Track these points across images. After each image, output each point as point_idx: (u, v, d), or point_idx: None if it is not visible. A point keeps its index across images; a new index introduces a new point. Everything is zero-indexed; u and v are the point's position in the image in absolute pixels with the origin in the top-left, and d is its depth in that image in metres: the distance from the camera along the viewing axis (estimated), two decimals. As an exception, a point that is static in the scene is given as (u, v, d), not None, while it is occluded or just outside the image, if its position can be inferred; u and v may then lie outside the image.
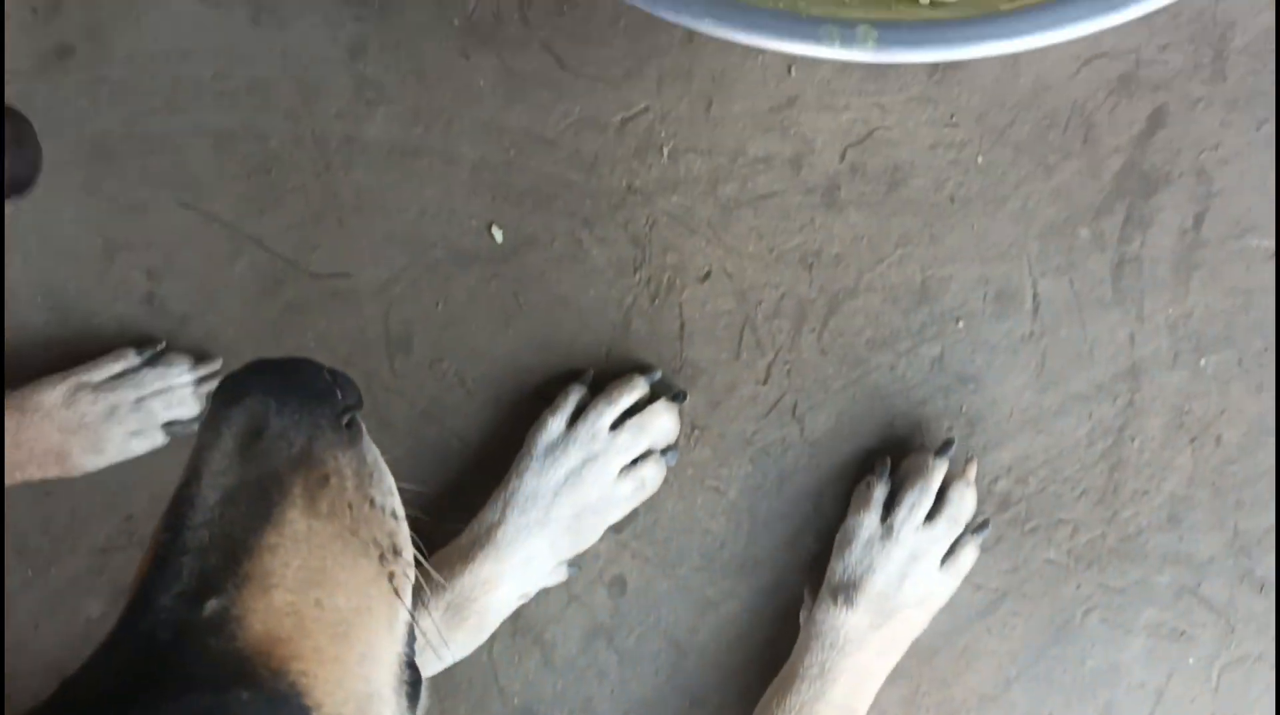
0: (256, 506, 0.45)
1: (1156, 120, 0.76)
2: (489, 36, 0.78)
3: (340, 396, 0.50)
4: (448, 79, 0.78)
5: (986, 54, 0.57)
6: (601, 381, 0.77)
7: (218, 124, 0.79)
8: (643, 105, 0.78)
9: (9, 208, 0.78)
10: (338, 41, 0.79)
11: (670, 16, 0.57)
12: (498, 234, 0.78)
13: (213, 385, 0.75)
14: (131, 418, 0.76)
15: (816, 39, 0.57)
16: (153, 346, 0.78)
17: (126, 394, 0.76)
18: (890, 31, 0.57)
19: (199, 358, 0.78)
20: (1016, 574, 0.76)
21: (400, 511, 0.50)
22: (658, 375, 0.76)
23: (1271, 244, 0.75)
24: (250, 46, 0.79)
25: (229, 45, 0.79)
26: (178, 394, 0.77)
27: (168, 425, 0.77)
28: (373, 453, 0.51)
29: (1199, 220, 0.76)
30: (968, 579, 0.74)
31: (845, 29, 0.57)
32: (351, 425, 0.49)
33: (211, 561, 0.43)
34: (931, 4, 0.61)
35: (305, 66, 0.79)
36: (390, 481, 0.51)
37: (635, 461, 0.74)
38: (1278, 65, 0.74)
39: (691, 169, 0.78)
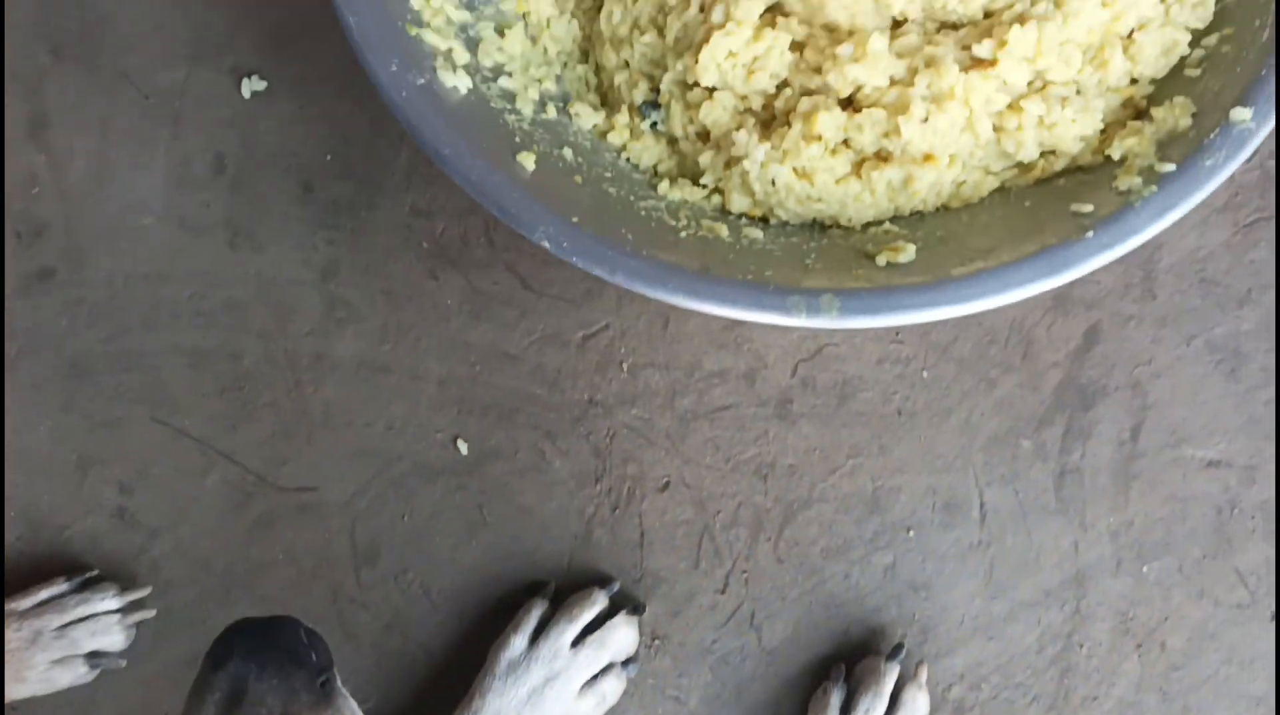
0: None
1: (1091, 337, 0.80)
2: (456, 259, 0.82)
3: (315, 659, 0.55)
4: (416, 298, 0.82)
5: (940, 317, 0.61)
6: (564, 590, 0.79)
7: (193, 343, 0.82)
8: (603, 323, 0.81)
9: None
10: (310, 264, 0.82)
11: (653, 293, 0.63)
12: (463, 447, 0.81)
13: (140, 614, 0.78)
14: (54, 645, 0.76)
15: (785, 310, 0.61)
16: (82, 573, 0.78)
17: (50, 621, 0.76)
18: (851, 300, 0.61)
19: (128, 585, 0.79)
20: (972, 782, 0.77)
21: None
22: (616, 587, 0.78)
23: (1205, 454, 0.79)
24: (226, 269, 0.82)
25: (206, 268, 0.82)
26: (102, 622, 0.77)
27: (91, 656, 0.77)
28: (350, 707, 0.56)
29: (1135, 432, 0.79)
30: (924, 787, 0.75)
31: (811, 299, 0.61)
32: (327, 684, 0.54)
33: None
34: (889, 265, 0.65)
35: (279, 288, 0.82)
36: None
37: (596, 675, 0.75)
38: None
39: (650, 383, 0.81)
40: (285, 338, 0.82)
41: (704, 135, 0.75)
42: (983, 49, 0.67)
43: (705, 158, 0.74)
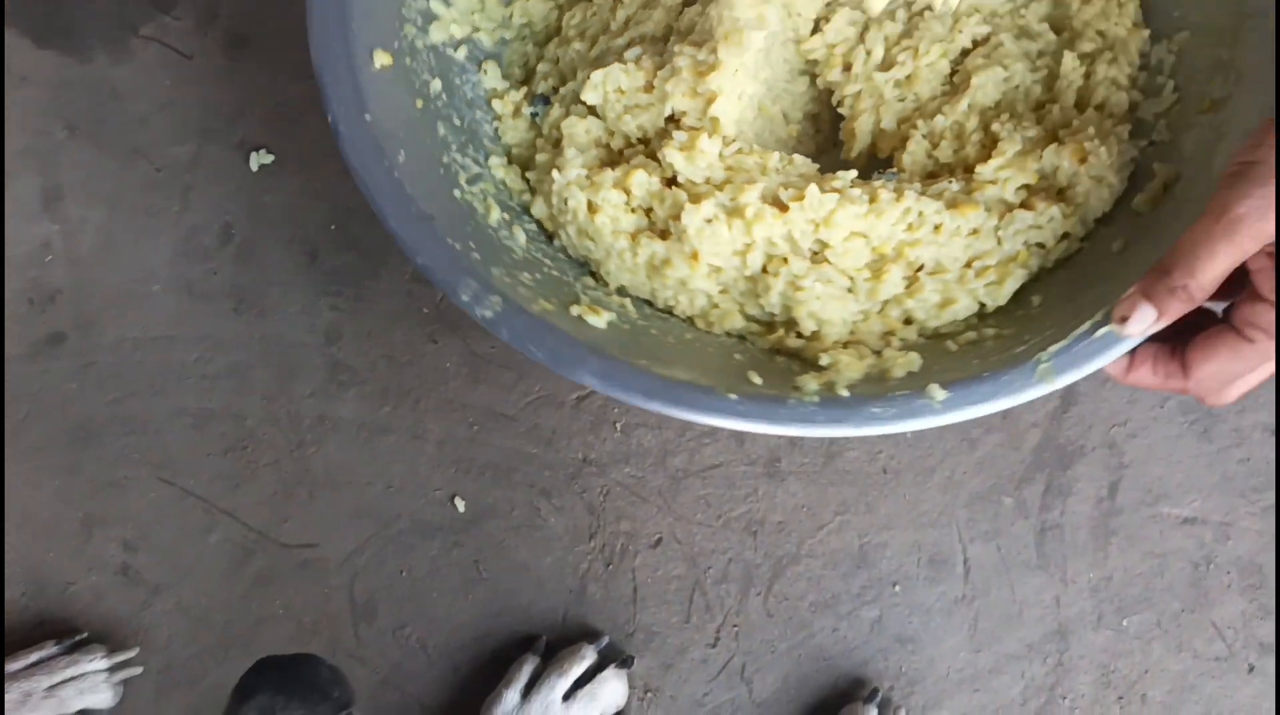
0: None
1: (1069, 398, 0.83)
2: (455, 324, 0.85)
3: (338, 694, 0.59)
4: (416, 362, 0.84)
5: (569, 377, 0.65)
6: (556, 644, 0.81)
7: (198, 405, 0.84)
8: (596, 385, 0.84)
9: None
10: (314, 329, 0.85)
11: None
12: (460, 505, 0.83)
13: (127, 673, 0.80)
14: (44, 705, 0.78)
15: (458, 291, 0.65)
16: (72, 636, 0.81)
17: (40, 681, 0.78)
18: (514, 318, 0.65)
19: (116, 646, 0.82)
20: (961, 835, 0.78)
21: None
22: (605, 642, 0.80)
23: (1180, 511, 0.81)
24: (231, 334, 0.85)
25: (211, 333, 0.85)
26: (89, 680, 0.79)
27: (80, 714, 0.79)
28: None
29: (1113, 489, 0.82)
30: (914, 840, 0.77)
31: (485, 296, 0.65)
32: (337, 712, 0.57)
33: None
34: (579, 318, 0.68)
35: (282, 352, 0.85)
36: None
37: (588, 729, 0.77)
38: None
39: (643, 442, 0.84)
40: (288, 399, 0.84)
41: (556, 142, 0.78)
42: (785, 192, 0.69)
43: (541, 157, 0.77)
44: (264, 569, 0.83)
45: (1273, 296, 0.54)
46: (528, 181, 0.78)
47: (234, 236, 0.87)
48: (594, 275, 0.75)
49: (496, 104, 0.79)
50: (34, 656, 0.79)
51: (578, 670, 0.78)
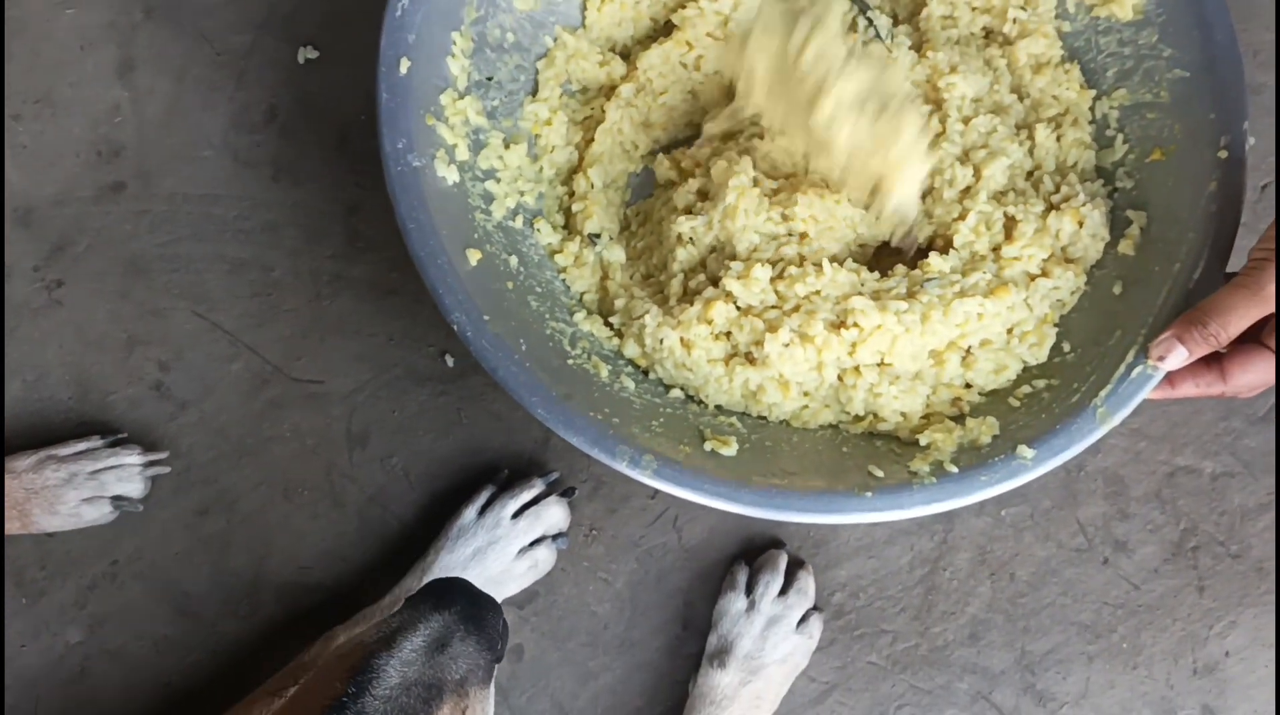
0: (420, 706, 0.58)
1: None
2: (459, 206, 0.98)
3: (500, 647, 0.65)
4: (423, 236, 0.98)
5: (720, 507, 0.74)
6: (517, 479, 0.94)
7: (234, 254, 0.98)
8: (575, 270, 0.98)
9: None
10: (339, 200, 0.99)
11: (520, 400, 0.75)
12: (449, 360, 0.97)
13: (157, 470, 0.93)
14: (86, 486, 0.90)
15: (612, 456, 0.74)
16: (114, 434, 0.94)
17: (84, 465, 0.91)
18: (665, 468, 0.74)
19: (149, 448, 0.94)
20: (844, 671, 0.92)
21: None
22: (554, 476, 0.93)
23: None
24: (268, 197, 0.99)
25: (251, 194, 0.99)
26: (127, 471, 0.92)
27: (116, 499, 0.91)
28: (491, 697, 0.65)
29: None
30: (805, 672, 0.90)
31: (636, 455, 0.74)
32: (491, 666, 0.64)
33: None
34: (712, 452, 0.77)
35: (310, 216, 0.99)
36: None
37: (532, 545, 0.90)
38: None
39: (609, 324, 0.97)
40: (311, 257, 0.98)
41: (645, 277, 0.87)
42: (849, 333, 0.78)
43: (620, 301, 0.85)
44: (276, 397, 0.96)
45: None
46: (610, 326, 0.86)
47: (278, 116, 1.01)
48: (690, 397, 0.83)
49: (559, 259, 0.87)
50: (81, 446, 0.92)
51: (527, 496, 0.91)
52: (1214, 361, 0.75)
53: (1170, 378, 0.76)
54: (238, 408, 0.96)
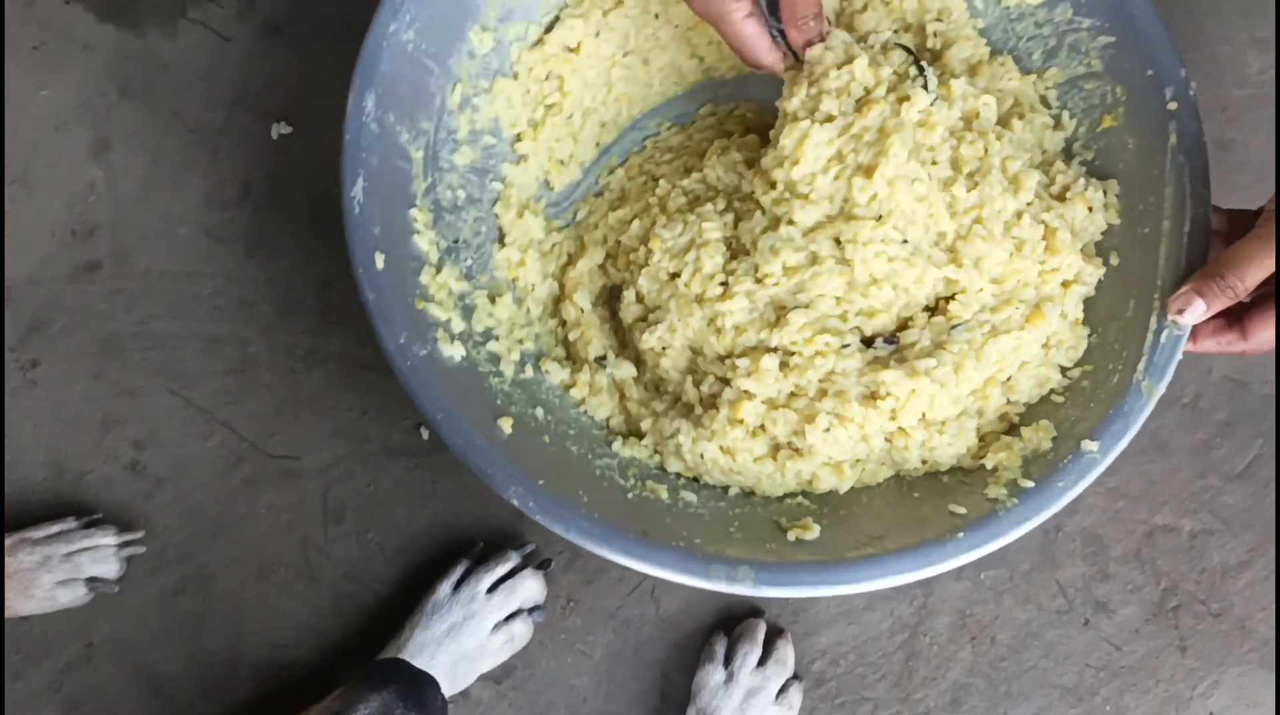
0: None
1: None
2: (432, 279, 0.99)
3: None
4: (396, 309, 0.98)
5: (835, 594, 0.72)
6: (491, 552, 0.93)
7: (208, 331, 0.99)
8: (549, 340, 0.98)
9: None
10: (312, 276, 1.00)
11: (601, 551, 0.72)
12: (424, 433, 0.97)
13: (132, 550, 0.93)
14: (61, 568, 0.91)
15: (709, 577, 0.71)
16: (89, 514, 0.94)
17: (59, 548, 0.91)
18: (764, 573, 0.71)
19: (124, 528, 0.94)
20: (825, 740, 0.92)
21: None
22: (529, 548, 0.93)
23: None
24: (242, 273, 1.00)
25: (225, 271, 1.00)
26: (102, 552, 0.92)
27: (91, 581, 0.91)
28: None
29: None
30: (787, 744, 0.90)
31: (730, 569, 0.70)
32: None
33: None
34: (797, 540, 0.75)
35: (284, 292, 0.99)
36: None
37: (508, 619, 0.90)
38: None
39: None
40: (285, 333, 0.99)
41: (654, 386, 0.85)
42: (885, 403, 0.77)
43: (645, 424, 0.83)
44: (252, 474, 0.96)
45: None
46: (647, 445, 0.83)
47: (251, 192, 1.02)
48: (750, 492, 0.82)
49: (575, 393, 0.85)
50: (55, 528, 0.92)
51: (502, 569, 0.91)
52: (1235, 322, 0.74)
53: (1191, 333, 0.75)
54: (213, 485, 0.96)
